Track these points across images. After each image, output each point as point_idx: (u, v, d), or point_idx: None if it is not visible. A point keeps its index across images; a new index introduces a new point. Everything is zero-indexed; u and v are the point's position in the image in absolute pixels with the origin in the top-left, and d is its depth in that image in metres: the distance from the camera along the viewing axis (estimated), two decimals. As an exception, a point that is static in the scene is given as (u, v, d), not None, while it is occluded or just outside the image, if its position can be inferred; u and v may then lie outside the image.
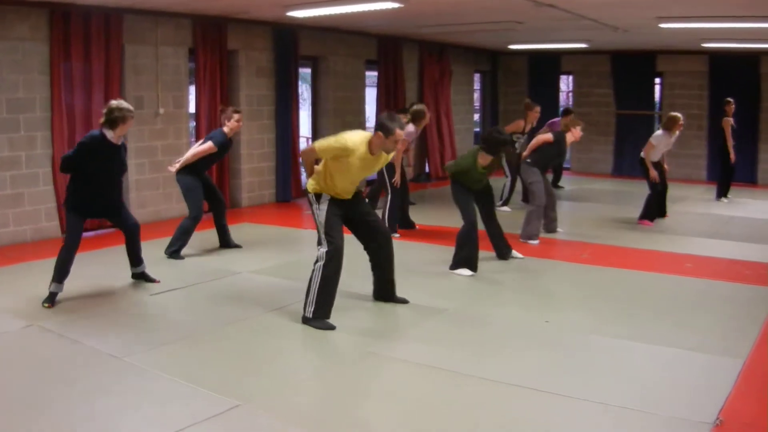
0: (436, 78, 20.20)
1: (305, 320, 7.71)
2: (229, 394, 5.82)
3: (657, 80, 21.71)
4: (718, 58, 20.09)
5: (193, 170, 10.70)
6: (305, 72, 18.41)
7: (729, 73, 19.95)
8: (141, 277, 9.10)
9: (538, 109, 15.49)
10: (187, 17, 13.60)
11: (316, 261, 7.77)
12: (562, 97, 25.08)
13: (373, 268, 8.52)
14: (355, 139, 7.68)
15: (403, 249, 10.77)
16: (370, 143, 7.69)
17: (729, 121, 16.08)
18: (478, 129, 23.47)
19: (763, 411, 5.69)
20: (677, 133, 13.27)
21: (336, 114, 17.65)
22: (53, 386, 6.04)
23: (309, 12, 13.08)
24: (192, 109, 14.44)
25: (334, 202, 7.83)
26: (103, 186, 8.30)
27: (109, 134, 8.10)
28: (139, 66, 13.09)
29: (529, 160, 12.06)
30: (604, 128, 21.86)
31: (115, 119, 8.09)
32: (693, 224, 13.57)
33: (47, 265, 9.19)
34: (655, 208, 13.63)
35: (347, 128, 16.84)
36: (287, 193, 16.14)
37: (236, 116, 10.85)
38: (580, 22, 14.16)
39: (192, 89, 14.44)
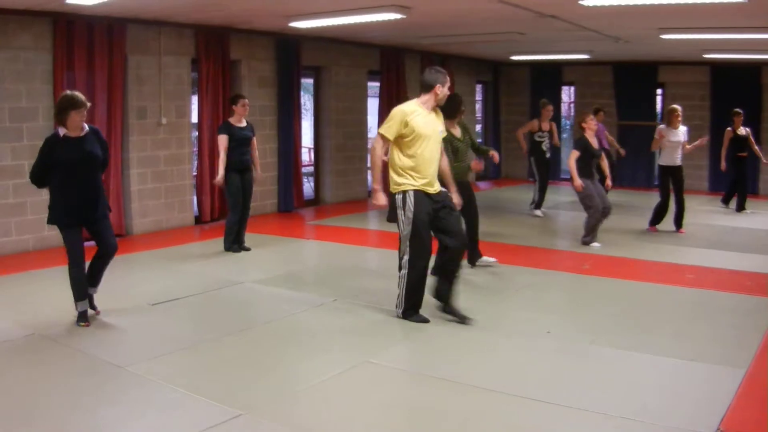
0: (438, 88, 20.17)
1: (400, 317, 8.20)
2: (231, 404, 5.82)
3: (659, 91, 21.74)
4: (719, 68, 20.14)
5: (230, 169, 11.33)
6: (307, 82, 18.42)
7: (730, 83, 20.00)
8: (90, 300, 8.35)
9: (550, 108, 15.71)
10: (189, 27, 13.64)
11: (400, 269, 8.10)
12: (564, 107, 25.09)
13: (438, 268, 8.57)
14: (404, 104, 7.98)
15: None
16: (422, 103, 7.95)
17: (729, 133, 16.14)
18: (480, 140, 23.47)
19: (764, 421, 5.70)
20: (679, 126, 13.30)
21: (338, 124, 17.70)
22: (55, 395, 6.05)
23: (311, 23, 13.12)
24: (194, 118, 14.46)
25: (420, 199, 7.87)
26: (78, 186, 7.88)
27: (62, 130, 7.77)
28: (141, 76, 13.12)
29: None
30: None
31: (59, 111, 7.77)
32: (694, 235, 13.56)
33: (49, 274, 9.23)
34: (661, 216, 13.69)
35: (349, 138, 17.12)
36: (289, 202, 16.16)
37: (240, 101, 11.44)
38: (582, 33, 14.20)
39: (194, 99, 14.46)
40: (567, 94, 24.81)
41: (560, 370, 6.81)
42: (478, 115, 24.09)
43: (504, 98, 23.70)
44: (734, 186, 16.77)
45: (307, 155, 20.22)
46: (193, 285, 9.48)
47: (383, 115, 18.35)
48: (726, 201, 17.10)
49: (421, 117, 7.83)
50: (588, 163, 12.28)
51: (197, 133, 14.51)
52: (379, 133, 7.88)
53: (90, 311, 8.09)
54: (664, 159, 13.43)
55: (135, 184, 13.05)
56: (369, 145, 19.28)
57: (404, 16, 11.85)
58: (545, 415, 5.77)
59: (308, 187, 18.14)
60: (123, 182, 12.90)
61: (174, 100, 13.72)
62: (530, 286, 10.01)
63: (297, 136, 16.53)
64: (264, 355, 7.18)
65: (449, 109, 9.95)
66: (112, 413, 5.72)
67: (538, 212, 15.65)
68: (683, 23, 12.95)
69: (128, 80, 12.90)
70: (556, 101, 23.19)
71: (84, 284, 7.99)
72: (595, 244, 12.22)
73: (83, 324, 7.85)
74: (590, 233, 12.33)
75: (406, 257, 7.98)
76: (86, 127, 7.90)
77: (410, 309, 8.11)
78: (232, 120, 11.46)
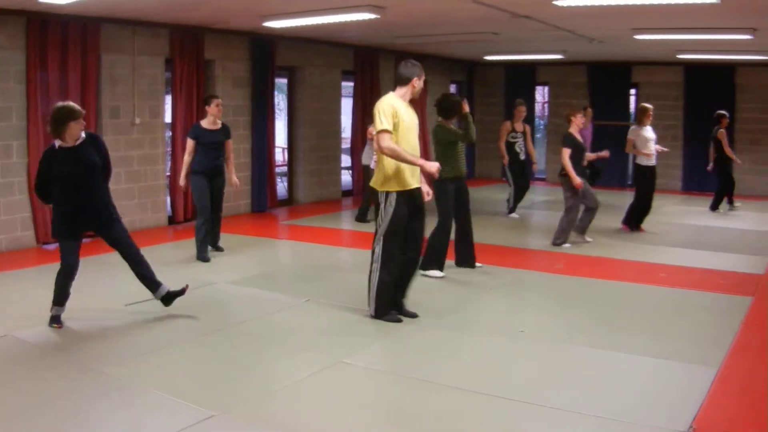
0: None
1: (372, 317, 8.20)
2: (206, 404, 5.81)
3: (632, 91, 21.82)
4: (693, 69, 20.25)
5: (195, 171, 11.13)
6: (281, 82, 18.41)
7: (704, 84, 20.14)
8: (170, 298, 8.36)
9: (523, 108, 15.73)
10: (164, 27, 13.60)
11: (372, 262, 8.08)
12: (538, 107, 25.17)
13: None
14: (385, 98, 8.05)
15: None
16: (399, 96, 8.06)
17: (724, 133, 16.27)
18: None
19: (736, 419, 5.73)
20: (649, 125, 13.38)
21: (312, 124, 17.68)
22: (30, 397, 6.01)
23: (286, 22, 13.10)
24: (168, 118, 14.41)
25: (401, 201, 7.92)
26: (76, 196, 7.77)
27: (57, 142, 7.69)
28: (115, 75, 13.06)
29: (563, 173, 12.25)
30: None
31: (57, 124, 7.61)
32: (668, 234, 13.63)
33: (23, 275, 9.19)
34: (636, 216, 13.73)
35: (323, 138, 17.10)
36: (263, 203, 16.14)
37: (213, 102, 11.17)
38: (556, 33, 14.24)
39: (168, 99, 14.41)
40: (541, 94, 24.90)
41: (535, 370, 6.83)
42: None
43: (478, 98, 23.71)
44: (729, 186, 16.89)
45: (280, 155, 20.19)
46: (167, 286, 9.45)
47: (357, 115, 18.42)
48: (715, 207, 17.11)
49: (402, 108, 7.92)
50: (579, 159, 12.37)
51: (171, 133, 14.46)
52: (380, 131, 7.78)
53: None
54: (642, 159, 13.44)
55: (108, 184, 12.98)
56: (343, 146, 19.32)
57: (379, 16, 11.84)
58: (520, 415, 5.79)
59: (282, 187, 18.11)
60: (96, 182, 12.85)
61: (148, 100, 13.66)
62: (504, 285, 10.03)
63: (271, 136, 16.52)
64: (238, 356, 7.16)
65: (445, 109, 10.08)
66: (88, 415, 5.69)
67: (514, 215, 15.65)
68: (657, 24, 13.00)
69: (102, 80, 12.84)
70: (531, 101, 23.24)
71: (65, 292, 7.90)
72: (566, 245, 12.25)
73: (56, 326, 7.78)
74: (566, 232, 12.35)
75: (378, 254, 8.01)
76: (83, 134, 7.81)
77: (382, 308, 8.11)
78: (204, 122, 11.23)
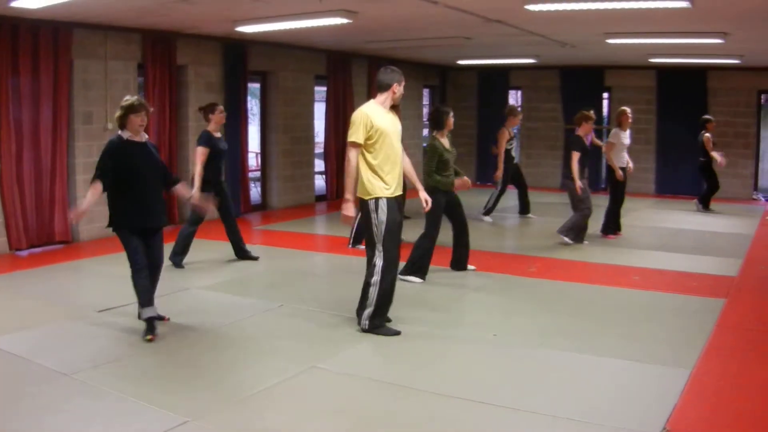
0: (385, 93, 20.22)
1: (364, 331, 7.95)
2: (178, 411, 5.79)
3: (605, 95, 21.91)
4: (665, 73, 20.37)
5: (206, 182, 10.73)
6: (254, 87, 18.39)
7: (676, 87, 20.29)
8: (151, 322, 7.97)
9: (520, 116, 16.12)
10: (136, 32, 13.55)
11: (372, 275, 7.90)
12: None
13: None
14: (363, 107, 8.04)
15: (352, 262, 10.85)
16: (380, 103, 8.07)
17: (710, 138, 16.50)
18: (426, 144, 23.54)
19: (709, 420, 5.75)
20: (628, 130, 13.45)
21: (285, 129, 17.66)
22: (9, 406, 5.97)
23: (258, 27, 13.09)
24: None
25: (392, 206, 7.88)
26: (145, 191, 7.79)
27: (125, 134, 7.83)
28: (88, 81, 13.00)
29: (567, 176, 12.40)
30: (552, 143, 22.05)
31: (121, 116, 7.87)
32: (641, 237, 13.70)
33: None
34: (614, 221, 13.77)
35: (296, 143, 17.09)
36: (236, 208, 16.07)
37: (217, 109, 11.00)
38: (528, 37, 14.28)
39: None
40: (514, 98, 24.93)
41: (508, 373, 6.84)
42: (425, 119, 24.13)
43: (452, 103, 23.66)
44: (712, 189, 17.11)
45: (254, 160, 20.18)
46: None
47: (330, 119, 18.46)
48: (707, 206, 17.27)
49: (381, 116, 7.91)
50: (583, 162, 12.55)
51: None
52: (348, 142, 7.82)
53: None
54: (616, 160, 13.46)
55: (81, 190, 12.89)
56: (316, 150, 19.32)
57: (351, 21, 11.84)
58: (494, 418, 5.79)
59: (255, 192, 18.08)
60: (69, 188, 12.77)
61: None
62: (477, 289, 10.05)
63: (244, 141, 16.51)
64: (210, 362, 7.13)
65: (435, 121, 10.19)
66: (57, 421, 5.65)
67: (487, 218, 15.68)
68: (629, 28, 13.07)
69: (74, 85, 12.77)
70: (503, 106, 23.30)
71: (148, 290, 7.83)
72: (585, 242, 12.43)
73: (149, 338, 7.59)
74: (573, 231, 12.45)
75: (379, 265, 7.87)
76: (145, 135, 7.99)
77: (379, 319, 7.98)
78: (211, 130, 10.97)
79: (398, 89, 8.09)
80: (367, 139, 7.79)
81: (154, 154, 8.04)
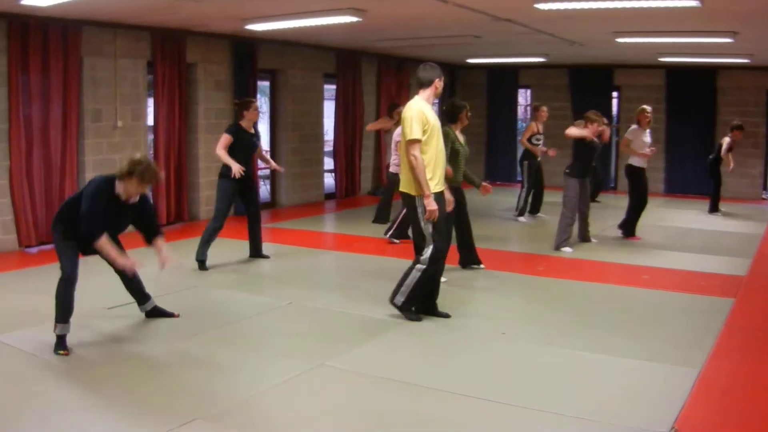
0: (394, 91, 20.24)
1: (395, 306, 8.33)
2: (185, 409, 5.81)
3: (614, 94, 21.88)
4: (674, 72, 20.29)
5: (224, 175, 10.94)
6: (263, 85, 18.37)
7: (685, 86, 20.20)
8: (154, 313, 8.28)
9: (544, 110, 16.09)
10: (145, 30, 13.56)
11: (418, 261, 8.14)
12: (520, 110, 25.18)
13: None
14: (412, 103, 8.10)
15: (362, 260, 10.85)
16: (425, 99, 8.14)
17: (727, 140, 16.76)
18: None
19: (716, 420, 5.75)
20: (648, 129, 13.39)
21: (294, 127, 17.65)
22: (6, 401, 6.00)
23: (267, 25, 13.09)
24: (150, 122, 14.37)
25: (440, 200, 8.08)
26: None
27: (119, 188, 7.19)
28: (97, 78, 13.02)
29: (568, 171, 12.32)
30: (561, 141, 21.98)
31: (127, 172, 7.15)
32: (650, 236, 13.65)
33: (5, 279, 9.17)
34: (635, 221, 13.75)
35: (305, 141, 17.08)
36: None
37: (252, 106, 11.06)
38: (538, 36, 14.26)
39: (150, 102, 14.38)
40: (523, 96, 24.90)
41: (517, 372, 6.84)
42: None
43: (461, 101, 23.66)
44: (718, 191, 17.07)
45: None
46: (148, 289, 9.39)
47: (339, 118, 18.44)
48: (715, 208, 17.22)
49: (430, 112, 8.02)
50: (586, 162, 12.57)
51: (153, 137, 14.41)
52: (409, 141, 7.86)
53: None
54: (635, 160, 13.43)
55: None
56: (325, 148, 19.30)
57: (360, 19, 11.84)
58: (502, 416, 5.79)
59: (264, 190, 18.07)
60: (78, 185, 12.73)
61: (129, 102, 13.62)
62: (485, 288, 10.04)
63: (253, 138, 16.49)
64: (219, 359, 7.13)
65: (449, 115, 10.18)
66: (64, 419, 5.66)
67: (522, 219, 15.65)
68: (638, 27, 13.04)
69: (84, 83, 12.78)
70: (513, 104, 23.32)
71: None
72: (567, 249, 12.25)
73: (62, 352, 7.13)
74: (565, 237, 12.36)
75: (428, 253, 8.08)
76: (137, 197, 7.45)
77: (411, 301, 8.23)
78: (243, 124, 11.00)
79: (440, 84, 8.22)
80: (424, 133, 7.87)
81: (138, 209, 7.56)
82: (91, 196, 7.14)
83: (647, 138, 13.34)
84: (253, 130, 11.13)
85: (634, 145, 13.20)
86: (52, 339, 7.12)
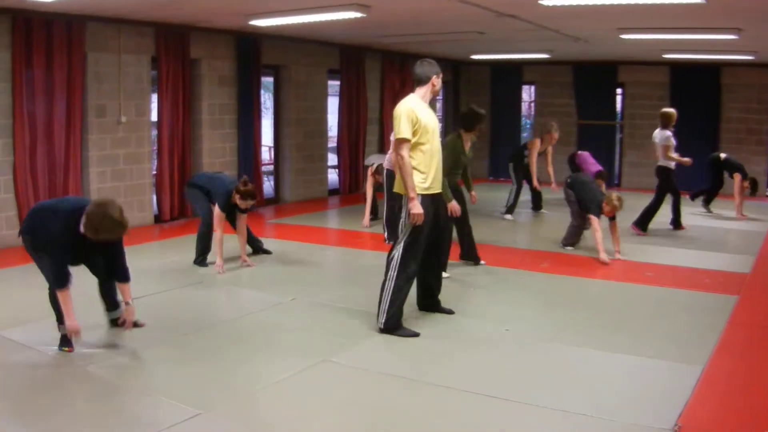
0: (398, 88, 20.21)
1: (385, 331, 7.76)
2: (189, 404, 5.81)
3: (618, 90, 21.86)
4: (678, 68, 20.25)
5: (190, 182, 11.05)
6: (267, 81, 18.37)
7: (690, 83, 20.14)
8: (117, 324, 7.70)
9: (555, 135, 16.06)
10: (149, 25, 13.55)
11: (389, 269, 7.77)
12: (524, 107, 25.18)
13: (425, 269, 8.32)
14: (405, 101, 7.77)
15: (365, 255, 10.84)
16: (420, 97, 7.85)
17: None
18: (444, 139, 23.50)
19: (720, 417, 5.75)
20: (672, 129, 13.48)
21: (298, 123, 17.66)
22: (7, 397, 6.01)
23: (271, 21, 13.08)
24: (154, 117, 14.37)
25: (426, 203, 7.68)
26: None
27: (84, 228, 6.66)
28: (101, 74, 13.02)
29: (569, 180, 12.31)
30: (565, 138, 21.98)
31: (89, 222, 6.62)
32: (654, 233, 13.64)
33: (7, 274, 9.18)
34: (678, 214, 14.09)
35: (309, 137, 17.07)
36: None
37: None
38: (542, 32, 14.24)
39: (154, 98, 14.37)
40: (527, 93, 24.90)
41: (520, 368, 6.84)
42: (439, 114, 24.12)
43: (464, 98, 23.65)
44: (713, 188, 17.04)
45: (267, 154, 20.18)
46: (151, 284, 9.40)
47: (343, 114, 18.44)
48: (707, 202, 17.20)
49: (423, 110, 7.72)
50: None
51: (156, 132, 14.41)
52: (397, 139, 7.59)
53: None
54: (669, 163, 13.64)
55: (94, 183, 12.95)
56: (329, 144, 19.31)
57: (364, 15, 11.82)
58: (505, 413, 5.80)
59: (268, 185, 18.08)
60: (82, 181, 12.79)
61: (133, 98, 13.62)
62: (488, 284, 10.03)
63: (257, 134, 16.46)
64: (222, 355, 7.14)
65: (466, 121, 10.06)
66: (70, 413, 5.68)
67: (509, 216, 15.64)
68: (643, 23, 13.02)
69: (87, 78, 12.78)
70: (517, 100, 23.29)
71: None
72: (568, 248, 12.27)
73: (66, 349, 7.11)
74: (573, 238, 12.35)
75: (396, 259, 7.72)
76: None
77: (394, 318, 7.75)
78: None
79: (437, 82, 7.92)
80: (414, 133, 7.60)
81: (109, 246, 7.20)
82: (53, 245, 6.81)
83: (673, 140, 13.49)
84: None
85: (671, 151, 13.35)
86: (56, 335, 7.12)
